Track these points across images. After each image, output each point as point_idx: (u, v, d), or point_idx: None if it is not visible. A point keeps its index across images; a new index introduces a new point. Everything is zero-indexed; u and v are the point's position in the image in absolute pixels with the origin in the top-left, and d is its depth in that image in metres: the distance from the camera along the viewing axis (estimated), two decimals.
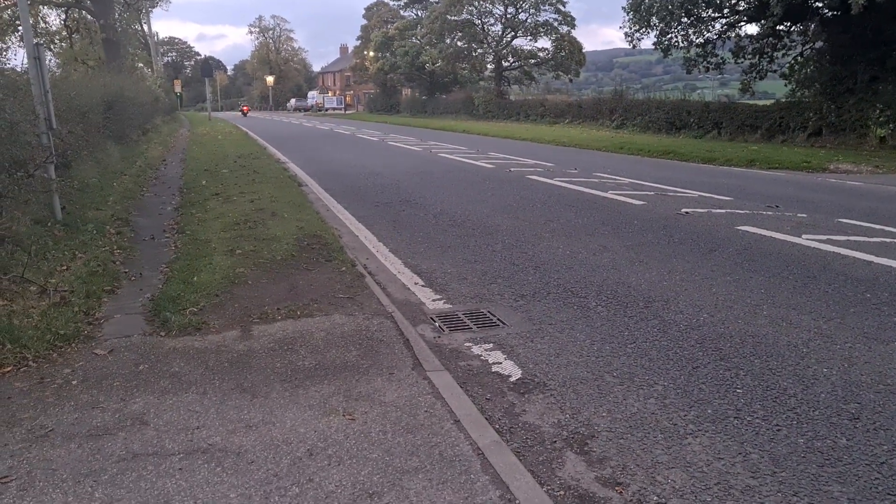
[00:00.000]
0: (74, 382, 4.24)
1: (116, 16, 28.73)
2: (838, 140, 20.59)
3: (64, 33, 34.25)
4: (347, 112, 77.82)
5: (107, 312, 5.59)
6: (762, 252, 7.64)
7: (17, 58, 15.42)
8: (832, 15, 21.79)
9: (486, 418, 3.86)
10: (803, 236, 8.32)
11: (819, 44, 23.24)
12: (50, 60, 25.20)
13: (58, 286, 5.79)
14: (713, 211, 10.24)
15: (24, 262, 6.01)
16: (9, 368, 4.38)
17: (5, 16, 27.14)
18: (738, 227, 8.94)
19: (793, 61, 24.33)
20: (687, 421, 3.83)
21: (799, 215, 9.83)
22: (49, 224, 7.75)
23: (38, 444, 3.50)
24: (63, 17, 33.24)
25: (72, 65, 29.08)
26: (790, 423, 3.79)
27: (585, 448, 3.57)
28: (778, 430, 3.70)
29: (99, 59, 29.67)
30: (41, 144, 7.80)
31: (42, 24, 32.18)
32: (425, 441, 3.55)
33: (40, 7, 30.18)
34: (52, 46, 33.40)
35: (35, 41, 8.24)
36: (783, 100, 24.39)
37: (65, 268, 6.46)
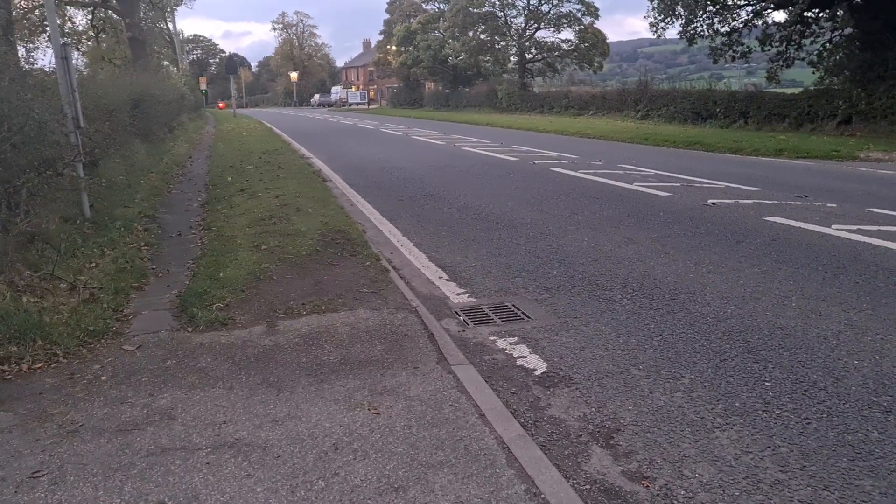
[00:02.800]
0: (104, 378, 4.30)
1: (142, 14, 29.03)
2: (869, 128, 20.16)
3: (90, 33, 34.66)
4: (371, 107, 78.03)
5: (135, 308, 5.66)
6: (791, 243, 7.53)
7: (46, 58, 15.65)
8: (861, 0, 21.36)
9: (511, 412, 3.85)
10: (833, 226, 8.18)
11: (848, 30, 22.76)
12: (77, 60, 25.60)
13: (87, 283, 5.87)
14: (740, 202, 10.11)
15: (54, 259, 6.12)
16: (40, 364, 4.46)
17: (33, 16, 27.54)
18: (766, 218, 8.82)
19: (821, 48, 23.87)
20: (714, 414, 3.79)
21: (828, 205, 9.66)
22: (78, 222, 7.86)
23: (69, 438, 3.56)
24: (89, 16, 33.63)
25: (98, 64, 29.43)
26: (820, 416, 3.73)
27: (611, 442, 3.55)
28: (808, 424, 3.65)
29: (125, 58, 29.99)
30: (69, 143, 7.89)
31: (69, 24, 32.60)
32: (450, 435, 3.55)
33: (67, 7, 30.55)
34: (78, 46, 33.83)
35: (62, 41, 8.35)
36: (811, 88, 23.96)
37: (94, 265, 6.55)
